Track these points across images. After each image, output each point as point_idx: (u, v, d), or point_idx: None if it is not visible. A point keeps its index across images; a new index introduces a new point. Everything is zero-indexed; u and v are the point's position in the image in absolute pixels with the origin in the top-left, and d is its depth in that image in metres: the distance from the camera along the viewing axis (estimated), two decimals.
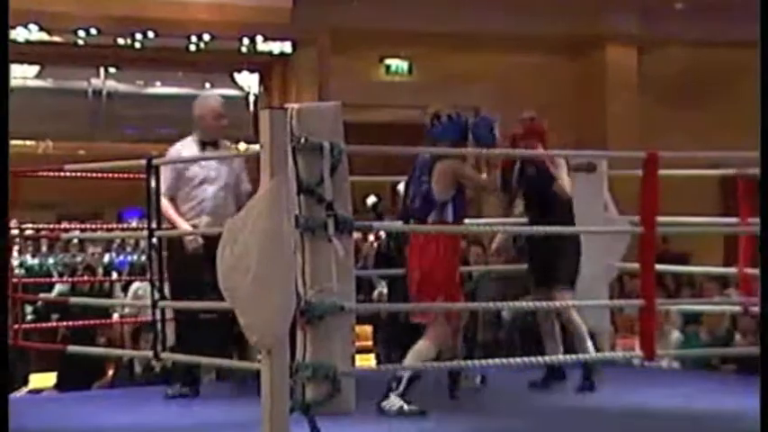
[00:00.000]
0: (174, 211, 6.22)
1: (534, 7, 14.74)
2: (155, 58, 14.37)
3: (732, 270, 7.43)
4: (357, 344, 8.08)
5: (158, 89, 15.34)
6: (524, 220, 6.81)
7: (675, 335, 8.94)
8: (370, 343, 9.31)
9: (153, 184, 5.71)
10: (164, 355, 5.67)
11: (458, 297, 5.93)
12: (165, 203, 6.11)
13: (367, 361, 8.69)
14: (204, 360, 5.76)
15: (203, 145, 6.44)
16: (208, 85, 14.63)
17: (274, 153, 4.49)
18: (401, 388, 5.61)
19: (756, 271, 6.97)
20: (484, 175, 5.92)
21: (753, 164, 6.86)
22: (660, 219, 5.69)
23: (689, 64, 15.62)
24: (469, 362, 6.53)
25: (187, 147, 6.45)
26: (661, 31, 15.34)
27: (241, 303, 4.39)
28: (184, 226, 6.19)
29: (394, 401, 5.59)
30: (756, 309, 7.32)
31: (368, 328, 9.41)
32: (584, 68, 15.77)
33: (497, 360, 5.93)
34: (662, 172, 5.52)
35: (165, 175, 6.02)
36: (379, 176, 8.31)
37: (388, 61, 15.34)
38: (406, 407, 5.57)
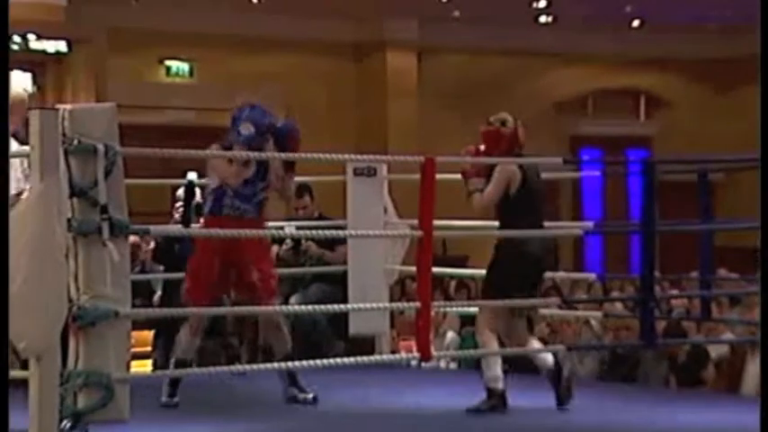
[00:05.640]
0: None
1: (318, 11, 14.79)
2: None
3: None
4: (137, 349, 7.90)
5: None
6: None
7: (451, 336, 9.09)
8: (149, 348, 9.11)
9: None
10: None
11: (195, 295, 5.95)
12: None
13: (145, 366, 8.51)
14: None
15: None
16: None
17: (45, 155, 4.38)
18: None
19: None
20: (229, 170, 5.93)
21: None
22: (438, 222, 5.79)
23: (465, 70, 16.01)
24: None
25: None
26: (439, 38, 15.65)
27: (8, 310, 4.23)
28: None
29: None
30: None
31: (149, 333, 9.20)
32: (366, 73, 15.93)
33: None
34: (440, 176, 5.61)
35: None
36: (158, 179, 8.20)
37: (168, 62, 15.09)
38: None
